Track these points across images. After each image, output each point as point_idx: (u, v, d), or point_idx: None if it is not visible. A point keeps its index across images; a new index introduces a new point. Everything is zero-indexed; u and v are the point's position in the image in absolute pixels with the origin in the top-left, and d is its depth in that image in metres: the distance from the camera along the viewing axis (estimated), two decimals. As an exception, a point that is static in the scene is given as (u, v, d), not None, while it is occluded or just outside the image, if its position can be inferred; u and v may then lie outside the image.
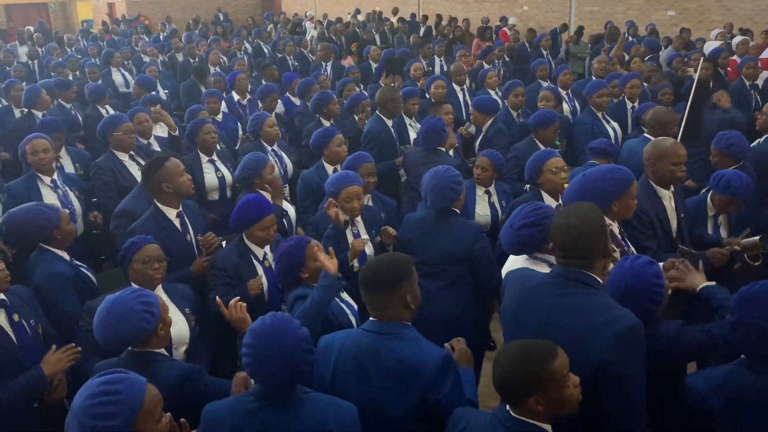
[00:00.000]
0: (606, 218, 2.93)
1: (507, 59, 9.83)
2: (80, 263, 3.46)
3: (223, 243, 3.59)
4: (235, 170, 4.78)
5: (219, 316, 2.82)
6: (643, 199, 3.33)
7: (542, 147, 4.55)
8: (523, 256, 2.85)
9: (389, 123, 5.36)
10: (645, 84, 6.58)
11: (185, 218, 3.63)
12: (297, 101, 6.86)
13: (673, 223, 3.45)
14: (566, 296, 2.23)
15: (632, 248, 3.12)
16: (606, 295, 2.28)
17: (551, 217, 2.67)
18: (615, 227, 3.01)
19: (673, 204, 3.46)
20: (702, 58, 6.40)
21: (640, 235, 3.29)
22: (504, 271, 2.94)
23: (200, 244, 3.53)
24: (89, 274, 3.46)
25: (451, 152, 4.93)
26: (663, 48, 9.72)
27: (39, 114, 6.14)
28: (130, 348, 2.44)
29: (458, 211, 3.57)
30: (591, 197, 2.76)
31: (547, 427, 1.90)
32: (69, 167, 5.00)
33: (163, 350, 2.53)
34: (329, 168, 4.48)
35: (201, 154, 4.70)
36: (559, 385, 1.85)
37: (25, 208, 3.35)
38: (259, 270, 3.31)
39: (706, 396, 2.18)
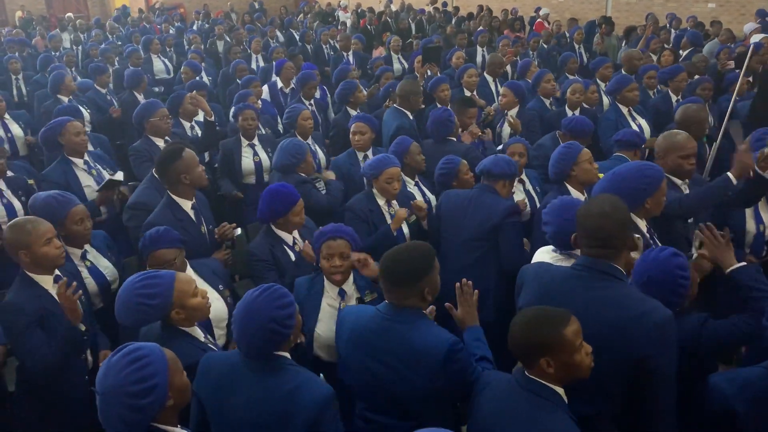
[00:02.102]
0: (634, 216, 2.91)
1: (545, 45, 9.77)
2: (96, 262, 3.34)
3: (238, 230, 3.61)
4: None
5: None
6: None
7: None
8: (549, 248, 2.86)
9: (410, 115, 5.30)
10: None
11: (198, 210, 3.60)
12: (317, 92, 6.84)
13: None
14: (596, 289, 2.23)
15: (659, 244, 3.08)
16: (634, 287, 2.29)
17: None
18: (642, 224, 3.00)
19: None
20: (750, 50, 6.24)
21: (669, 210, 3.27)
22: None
23: (216, 236, 3.53)
24: (107, 269, 3.38)
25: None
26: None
27: (65, 99, 6.27)
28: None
29: (498, 192, 3.57)
30: (624, 196, 2.71)
31: (560, 390, 1.99)
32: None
33: (194, 329, 2.56)
34: (360, 154, 4.57)
35: (243, 138, 4.81)
36: (570, 349, 1.94)
37: (44, 195, 3.30)
38: (291, 256, 3.35)
39: (729, 396, 2.14)
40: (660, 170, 2.94)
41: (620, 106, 5.29)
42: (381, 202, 3.74)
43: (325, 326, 2.86)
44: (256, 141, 4.85)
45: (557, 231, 2.75)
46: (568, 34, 11.01)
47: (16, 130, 5.76)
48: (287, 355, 2.19)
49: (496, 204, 3.46)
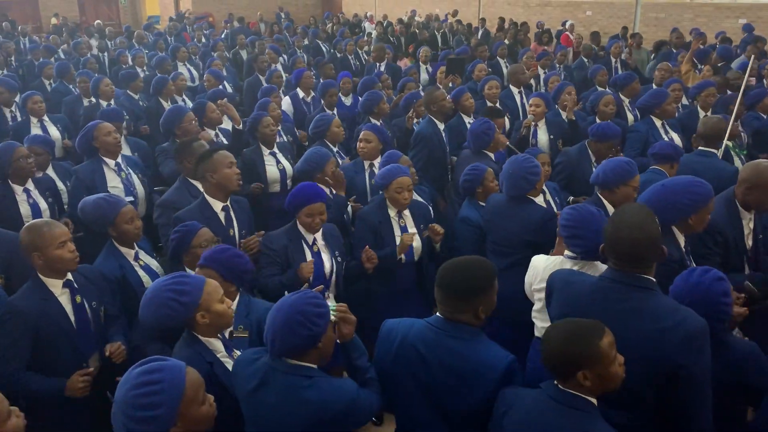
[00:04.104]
0: (675, 229, 2.92)
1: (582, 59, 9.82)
2: (147, 262, 3.38)
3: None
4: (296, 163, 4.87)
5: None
6: (722, 216, 3.25)
7: (593, 157, 4.60)
8: (558, 258, 2.90)
9: (440, 126, 5.32)
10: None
11: (231, 213, 3.66)
12: (347, 100, 6.88)
13: (749, 243, 3.35)
14: (628, 301, 2.21)
15: (693, 263, 3.04)
16: (665, 296, 2.26)
17: None
18: (681, 239, 2.96)
19: (752, 225, 3.36)
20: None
21: (708, 252, 3.20)
22: (536, 263, 2.99)
23: (241, 246, 3.54)
24: (158, 268, 3.41)
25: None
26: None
27: (104, 104, 6.41)
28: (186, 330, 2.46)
29: (533, 199, 3.57)
30: (670, 209, 2.73)
31: (593, 399, 1.98)
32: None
33: (214, 342, 2.46)
34: (366, 163, 4.57)
35: (262, 147, 4.80)
36: (606, 361, 1.93)
37: (93, 198, 3.37)
38: (308, 255, 3.36)
39: None
40: (709, 189, 2.88)
41: (654, 119, 5.27)
42: (392, 213, 3.72)
43: None
44: (275, 149, 4.84)
45: (592, 246, 2.70)
46: (595, 47, 10.90)
47: (54, 132, 5.90)
48: (314, 367, 2.15)
49: (531, 215, 3.46)
